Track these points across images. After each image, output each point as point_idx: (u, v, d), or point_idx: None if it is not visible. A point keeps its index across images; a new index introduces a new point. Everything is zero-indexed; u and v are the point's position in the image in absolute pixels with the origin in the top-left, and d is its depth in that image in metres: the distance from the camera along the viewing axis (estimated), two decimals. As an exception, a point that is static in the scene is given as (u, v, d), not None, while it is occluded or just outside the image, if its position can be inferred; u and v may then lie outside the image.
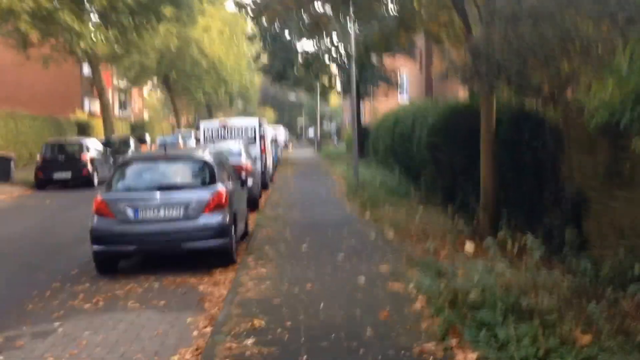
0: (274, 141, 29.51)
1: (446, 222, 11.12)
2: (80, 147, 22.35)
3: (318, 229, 11.63)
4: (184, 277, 8.34)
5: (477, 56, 7.76)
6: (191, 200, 8.80)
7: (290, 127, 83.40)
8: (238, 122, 19.92)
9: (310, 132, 67.78)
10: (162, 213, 8.73)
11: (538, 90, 7.69)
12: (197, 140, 21.20)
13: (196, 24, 42.03)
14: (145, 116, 68.50)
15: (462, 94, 16.34)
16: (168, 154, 9.59)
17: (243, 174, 11.13)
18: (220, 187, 9.08)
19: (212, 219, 8.81)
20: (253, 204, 14.80)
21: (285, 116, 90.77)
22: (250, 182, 14.64)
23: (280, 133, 52.57)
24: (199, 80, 51.02)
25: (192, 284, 8.07)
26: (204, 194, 8.91)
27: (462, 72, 8.31)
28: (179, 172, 9.39)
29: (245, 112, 70.59)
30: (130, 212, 8.73)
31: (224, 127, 19.34)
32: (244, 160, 15.10)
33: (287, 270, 8.20)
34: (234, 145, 15.90)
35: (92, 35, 30.21)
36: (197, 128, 21.38)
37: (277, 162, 29.23)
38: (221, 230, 8.83)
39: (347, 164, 24.77)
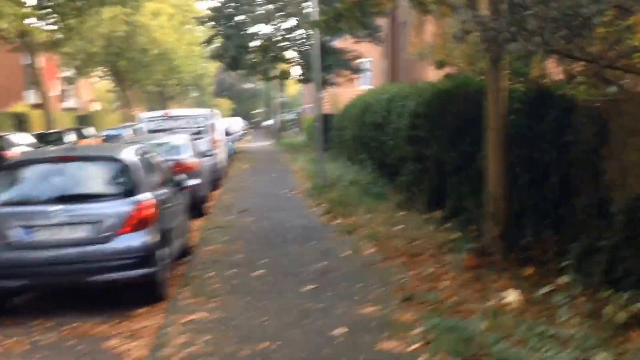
0: (229, 133, 27.02)
1: (436, 232, 8.95)
2: (3, 143, 19.47)
3: (278, 243, 9.31)
4: (91, 324, 5.92)
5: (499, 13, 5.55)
6: (104, 216, 6.41)
7: (248, 118, 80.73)
8: (184, 112, 17.43)
9: (268, 122, 65.23)
10: (63, 234, 6.32)
11: (592, 59, 5.51)
12: (138, 132, 18.58)
13: (144, 8, 39.14)
14: (96, 108, 64.95)
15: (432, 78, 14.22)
16: (73, 152, 7.12)
17: (181, 176, 8.73)
18: (145, 197, 6.70)
19: (133, 241, 6.44)
20: (199, 210, 12.41)
21: (243, 107, 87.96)
22: (195, 182, 12.23)
23: (236, 124, 49.92)
24: (148, 69, 47.96)
25: (100, 335, 5.66)
26: (121, 207, 6.52)
27: (482, 33, 6.04)
28: (89, 177, 6.94)
29: (201, 103, 67.67)
30: (19, 234, 6.31)
31: (168, 119, 16.81)
32: (189, 157, 12.66)
33: (236, 314, 5.86)
34: (177, 139, 13.43)
35: (23, 16, 27.12)
36: (137, 120, 18.82)
37: (232, 156, 26.74)
38: (145, 257, 6.46)
39: (309, 157, 22.46)
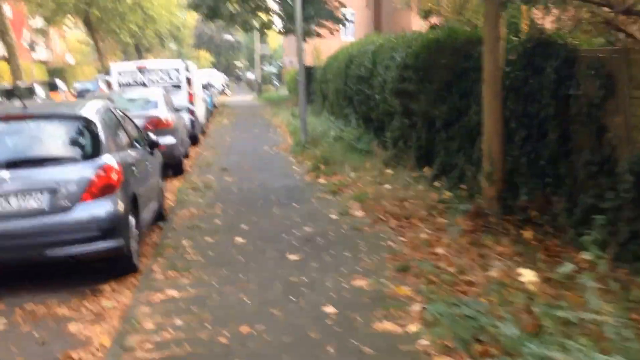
0: (208, 86, 26.11)
1: (426, 192, 8.43)
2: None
3: (259, 205, 8.75)
4: (48, 305, 5.32)
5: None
6: (62, 182, 5.74)
7: (229, 71, 79.12)
8: (159, 65, 16.51)
9: (250, 76, 63.83)
10: (14, 204, 5.66)
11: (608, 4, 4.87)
12: (109, 86, 17.68)
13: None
14: (70, 60, 62.99)
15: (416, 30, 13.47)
16: (26, 110, 6.40)
17: (152, 136, 8.04)
18: (109, 159, 6.04)
19: (96, 209, 5.80)
20: (176, 168, 11.79)
21: (223, 59, 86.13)
22: (171, 139, 11.59)
23: (216, 77, 48.75)
24: (123, 18, 46.20)
25: (59, 318, 5.07)
26: (82, 171, 5.87)
27: None
28: (44, 139, 6.25)
29: (179, 55, 65.95)
30: (-35, 204, 5.64)
31: (142, 71, 15.94)
32: (163, 112, 11.92)
33: (212, 291, 5.31)
34: (150, 94, 12.65)
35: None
36: (108, 73, 17.85)
37: (211, 110, 25.91)
38: (111, 227, 5.83)
39: (291, 111, 21.73)
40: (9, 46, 29.17)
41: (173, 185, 10.69)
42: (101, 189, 5.86)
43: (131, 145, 7.26)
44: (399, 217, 7.27)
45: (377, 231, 6.86)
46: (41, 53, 54.63)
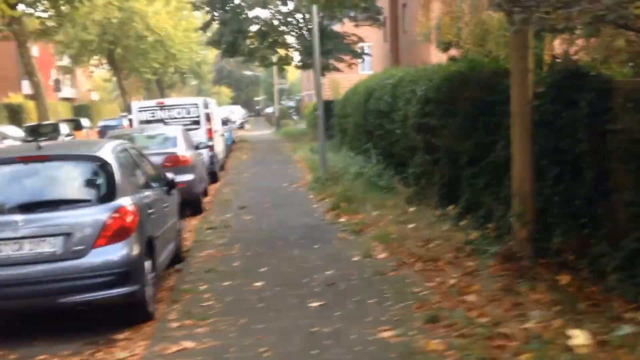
0: (228, 122, 26.12)
1: (452, 232, 8.11)
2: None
3: (279, 246, 8.47)
4: (61, 355, 5.07)
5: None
6: (76, 226, 5.55)
7: (248, 106, 79.81)
8: (179, 101, 16.51)
9: (269, 110, 64.18)
10: (26, 249, 5.47)
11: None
12: (130, 124, 17.69)
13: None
14: (94, 98, 64.04)
15: (435, 62, 13.28)
16: (41, 151, 6.24)
17: (170, 175, 7.86)
18: (125, 202, 5.85)
19: (111, 254, 5.60)
20: (194, 207, 11.58)
21: (242, 94, 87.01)
22: (189, 177, 11.41)
23: (235, 112, 49.05)
24: (145, 56, 46.91)
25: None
26: (97, 215, 5.68)
27: None
28: (58, 181, 6.08)
29: (200, 91, 66.73)
30: (-26, 249, 5.46)
31: (161, 108, 15.91)
32: (181, 150, 11.79)
33: (229, 342, 5.01)
34: (169, 131, 12.55)
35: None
36: (129, 110, 17.91)
37: (230, 145, 25.88)
38: (126, 273, 5.62)
39: (310, 146, 21.58)
40: (35, 85, 29.60)
41: (191, 224, 10.48)
42: (116, 233, 5.66)
43: (148, 186, 7.08)
44: (424, 260, 6.94)
45: (402, 275, 6.54)
46: (67, 91, 55.62)
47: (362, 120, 15.63)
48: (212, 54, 60.75)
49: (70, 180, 6.08)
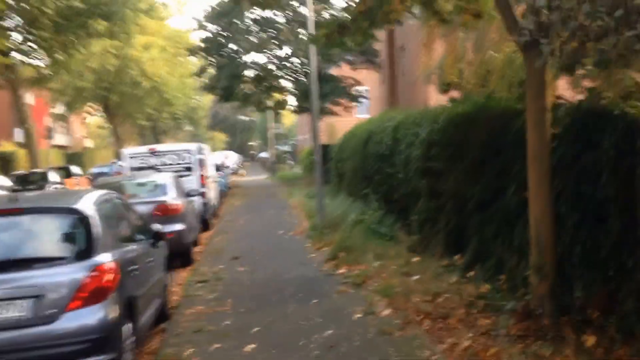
0: (221, 168, 25.65)
1: (461, 284, 7.51)
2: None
3: (274, 301, 7.83)
4: None
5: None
6: (49, 287, 4.95)
7: (243, 151, 79.69)
8: (171, 147, 16.05)
9: (264, 155, 63.93)
10: (-6, 313, 4.86)
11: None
12: (120, 171, 17.17)
13: (134, 40, 38.08)
14: (88, 145, 63.77)
15: (434, 104, 12.88)
16: (16, 203, 5.68)
17: (156, 226, 7.29)
18: (104, 259, 5.26)
19: (86, 318, 4.99)
20: (184, 258, 10.96)
21: (237, 139, 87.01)
22: (180, 227, 10.84)
23: (231, 157, 48.79)
24: (140, 102, 46.77)
25: None
26: (72, 274, 5.07)
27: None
28: (30, 236, 5.48)
29: (195, 137, 66.61)
30: None
31: (153, 155, 15.43)
32: (172, 198, 11.23)
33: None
34: (159, 178, 12.02)
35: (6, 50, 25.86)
36: (120, 157, 17.39)
37: (225, 191, 25.34)
38: (103, 339, 4.99)
39: (307, 191, 21.06)
40: (27, 133, 29.23)
41: (181, 277, 9.85)
42: (93, 294, 5.05)
43: (132, 239, 6.50)
44: (433, 317, 6.33)
45: (410, 336, 5.91)
46: (60, 138, 55.32)
47: (360, 164, 15.15)
48: (208, 99, 60.82)
49: (44, 235, 5.50)
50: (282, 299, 7.88)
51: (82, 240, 5.36)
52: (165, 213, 10.78)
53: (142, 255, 6.46)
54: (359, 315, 6.77)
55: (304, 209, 17.17)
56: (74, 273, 5.07)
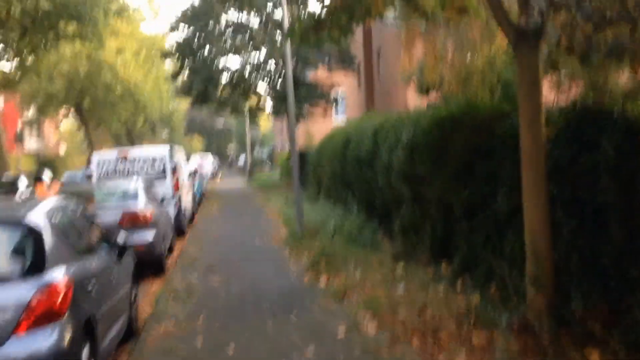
0: (196, 173, 24.98)
1: (450, 295, 7.06)
2: None
3: (251, 316, 7.30)
4: None
5: None
6: (-9, 309, 4.39)
7: (220, 155, 78.80)
8: (143, 152, 15.42)
9: (241, 160, 63.17)
10: None
11: None
12: (89, 177, 16.48)
13: (106, 43, 37.22)
14: (62, 150, 62.48)
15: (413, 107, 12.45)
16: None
17: (121, 236, 6.72)
18: (56, 276, 4.71)
19: (35, 343, 4.43)
20: (156, 268, 10.40)
21: (215, 144, 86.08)
22: (150, 236, 10.26)
23: (207, 162, 48.05)
24: (114, 107, 45.85)
25: None
26: (18, 294, 4.52)
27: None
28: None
29: (172, 142, 65.62)
30: None
31: (124, 160, 14.79)
32: (142, 205, 10.63)
33: None
34: (128, 185, 11.41)
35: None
36: (89, 162, 16.71)
37: (200, 197, 24.69)
38: (55, 366, 4.44)
39: (285, 197, 20.53)
40: (-5, 139, 28.29)
41: (151, 289, 9.28)
42: (43, 316, 4.50)
43: (93, 251, 5.95)
44: (423, 333, 5.86)
45: (399, 355, 5.44)
46: (33, 144, 54.07)
47: (339, 169, 14.69)
48: (184, 103, 59.96)
49: (-11, 249, 4.92)
50: (260, 313, 7.36)
51: (30, 255, 4.81)
52: (135, 221, 10.20)
53: (104, 269, 5.92)
54: (342, 332, 6.28)
55: (282, 216, 16.65)
56: (20, 293, 4.52)
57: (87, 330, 4.97)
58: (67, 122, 59.31)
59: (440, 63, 11.65)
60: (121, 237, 6.79)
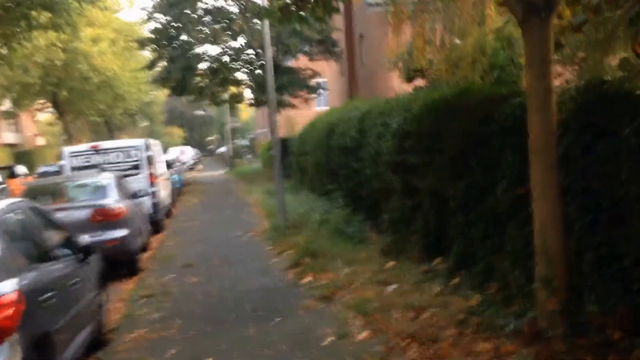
0: (176, 163, 24.24)
1: (446, 295, 6.53)
2: None
3: (230, 321, 6.69)
4: None
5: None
6: None
7: (201, 146, 77.82)
8: (116, 144, 14.72)
9: (222, 150, 62.26)
10: None
11: None
12: (59, 172, 15.70)
13: (81, 33, 36.13)
14: (40, 143, 61.09)
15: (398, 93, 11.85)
16: None
17: (85, 238, 6.10)
18: (3, 290, 4.07)
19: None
20: (130, 267, 9.75)
21: (195, 134, 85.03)
22: (123, 232, 9.61)
23: (187, 153, 47.23)
24: (91, 98, 44.76)
25: None
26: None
27: None
28: None
29: (151, 133, 64.56)
30: None
31: (97, 152, 14.07)
32: (114, 201, 9.94)
33: None
34: (98, 179, 10.71)
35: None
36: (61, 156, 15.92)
37: (180, 188, 23.97)
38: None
39: (266, 187, 19.89)
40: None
41: (124, 290, 8.64)
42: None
43: (51, 257, 5.30)
44: (420, 341, 5.29)
45: (394, 365, 4.87)
46: (9, 136, 52.76)
47: (323, 158, 14.07)
48: (163, 94, 58.88)
49: None
50: (240, 317, 6.75)
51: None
52: (106, 218, 9.54)
53: (64, 276, 5.28)
54: (329, 339, 5.69)
55: (264, 207, 16.02)
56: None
57: (42, 349, 4.35)
58: (46, 114, 58.02)
59: (429, 46, 11.07)
60: (85, 239, 6.14)
